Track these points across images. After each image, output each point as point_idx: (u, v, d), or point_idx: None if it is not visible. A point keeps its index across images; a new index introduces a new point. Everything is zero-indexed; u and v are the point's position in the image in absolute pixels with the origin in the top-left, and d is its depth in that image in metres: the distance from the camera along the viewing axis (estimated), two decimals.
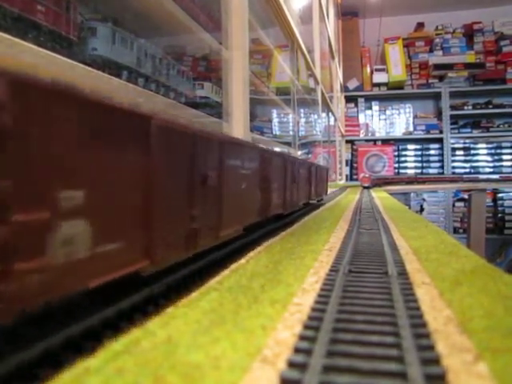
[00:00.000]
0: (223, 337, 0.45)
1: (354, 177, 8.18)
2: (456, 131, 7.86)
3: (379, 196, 3.19)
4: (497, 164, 7.78)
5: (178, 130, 0.64)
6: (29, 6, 1.18)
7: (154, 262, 0.56)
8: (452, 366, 0.38)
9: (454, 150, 7.85)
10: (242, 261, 0.86)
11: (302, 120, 5.02)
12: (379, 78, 8.12)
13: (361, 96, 8.32)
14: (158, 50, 2.05)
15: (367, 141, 8.31)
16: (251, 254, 0.94)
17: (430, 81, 8.02)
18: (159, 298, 0.64)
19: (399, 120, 8.13)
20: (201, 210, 0.72)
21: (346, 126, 8.27)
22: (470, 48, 7.87)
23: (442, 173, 7.76)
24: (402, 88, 8.11)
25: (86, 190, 0.44)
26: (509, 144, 7.69)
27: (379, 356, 0.38)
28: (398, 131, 8.13)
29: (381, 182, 5.21)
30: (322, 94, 5.16)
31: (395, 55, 8.08)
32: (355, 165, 8.28)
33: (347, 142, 8.31)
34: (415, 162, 8.06)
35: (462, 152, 7.88)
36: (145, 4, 1.85)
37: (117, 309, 0.55)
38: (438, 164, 7.93)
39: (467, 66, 7.65)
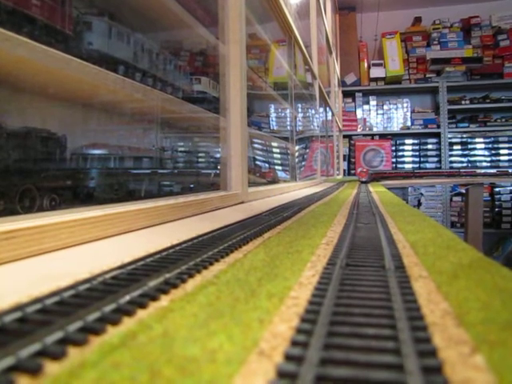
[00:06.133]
0: (220, 330, 0.44)
1: (352, 171, 8.18)
2: (453, 126, 7.86)
3: (377, 191, 3.19)
4: (494, 158, 7.79)
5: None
6: (23, 0, 1.17)
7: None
8: (449, 358, 0.38)
9: (451, 144, 7.85)
10: (240, 255, 0.85)
11: (300, 115, 5.00)
12: (376, 72, 8.10)
13: (358, 91, 8.30)
14: (155, 44, 2.04)
15: (365, 135, 8.30)
16: (248, 248, 0.94)
17: (428, 75, 8.00)
18: None
19: (397, 115, 8.13)
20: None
21: (344, 120, 8.27)
22: (468, 42, 7.85)
23: (440, 167, 7.77)
24: (399, 83, 8.10)
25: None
26: (506, 138, 7.70)
27: (376, 348, 0.38)
28: (396, 126, 8.13)
29: (378, 177, 5.20)
30: (320, 88, 5.15)
31: (393, 50, 8.06)
32: (353, 159, 8.28)
33: (345, 136, 8.31)
34: (413, 156, 8.05)
35: (459, 146, 7.89)
36: None
37: None
38: (435, 158, 7.93)
39: (465, 60, 7.64)
